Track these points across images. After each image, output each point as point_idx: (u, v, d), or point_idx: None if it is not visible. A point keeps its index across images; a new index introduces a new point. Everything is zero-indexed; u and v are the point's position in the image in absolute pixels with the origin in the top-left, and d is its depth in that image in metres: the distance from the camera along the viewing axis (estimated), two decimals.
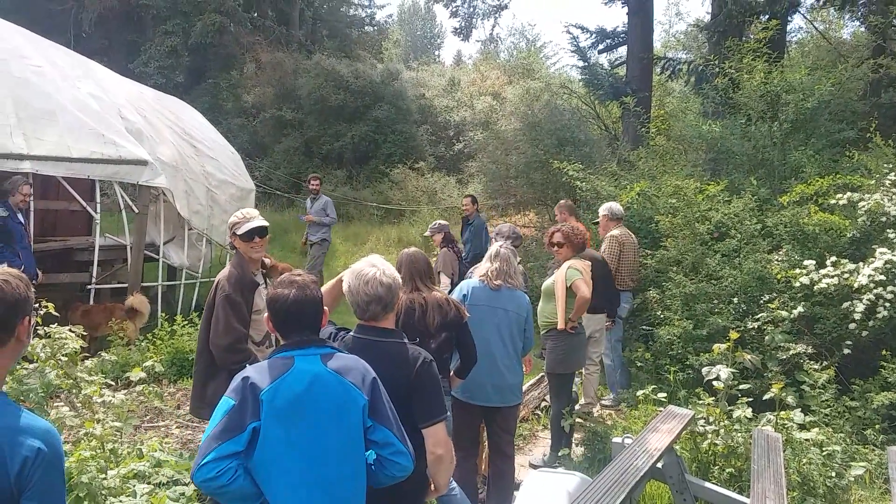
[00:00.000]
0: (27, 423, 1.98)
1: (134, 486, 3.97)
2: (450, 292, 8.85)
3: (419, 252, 4.51)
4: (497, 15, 20.63)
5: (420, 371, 3.05)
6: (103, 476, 3.92)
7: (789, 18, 15.91)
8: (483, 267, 5.20)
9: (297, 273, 2.86)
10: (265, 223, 4.62)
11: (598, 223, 8.21)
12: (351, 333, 3.24)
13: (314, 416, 2.57)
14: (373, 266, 3.16)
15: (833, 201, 7.79)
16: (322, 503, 2.56)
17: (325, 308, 2.82)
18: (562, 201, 8.87)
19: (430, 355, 3.17)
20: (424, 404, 3.03)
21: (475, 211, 11.20)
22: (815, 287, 6.79)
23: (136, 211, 9.09)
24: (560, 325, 5.91)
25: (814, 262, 7.05)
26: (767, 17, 13.87)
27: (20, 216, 7.74)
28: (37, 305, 5.35)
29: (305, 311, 2.73)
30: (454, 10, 21.14)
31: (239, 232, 4.52)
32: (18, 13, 16.75)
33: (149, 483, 4.08)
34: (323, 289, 3.65)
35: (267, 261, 4.95)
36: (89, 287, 8.66)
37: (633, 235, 8.17)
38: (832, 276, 6.78)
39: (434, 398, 3.08)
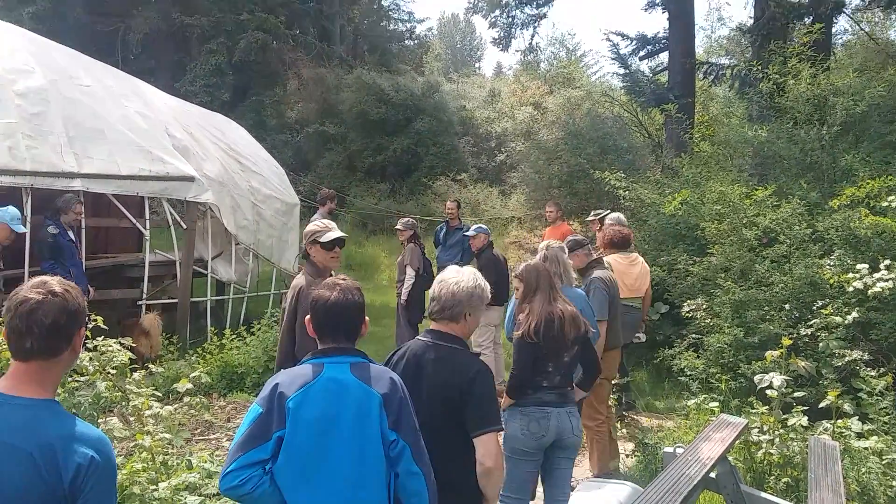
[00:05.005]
0: (81, 431, 2.02)
1: (185, 497, 4.00)
2: (414, 284, 8.89)
3: (543, 264, 4.53)
4: (536, 24, 20.68)
5: (475, 379, 3.05)
6: (154, 487, 3.96)
7: (834, 20, 15.57)
8: None
9: (342, 277, 2.86)
10: (345, 234, 4.67)
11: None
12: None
13: (338, 425, 2.56)
14: (456, 273, 3.26)
15: (885, 204, 7.58)
16: None
17: (367, 317, 2.82)
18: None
19: (486, 365, 3.17)
20: (477, 413, 3.03)
21: (458, 217, 10.57)
22: (870, 292, 6.55)
23: (185, 227, 9.24)
24: None
25: (867, 265, 6.83)
26: (811, 18, 13.62)
27: (71, 234, 7.90)
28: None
29: (345, 315, 2.71)
30: (493, 20, 21.21)
31: (322, 240, 4.52)
32: (67, 36, 17.16)
33: (199, 495, 4.11)
34: None
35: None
36: (140, 303, 8.80)
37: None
38: (886, 280, 6.56)
39: (488, 408, 3.06)
